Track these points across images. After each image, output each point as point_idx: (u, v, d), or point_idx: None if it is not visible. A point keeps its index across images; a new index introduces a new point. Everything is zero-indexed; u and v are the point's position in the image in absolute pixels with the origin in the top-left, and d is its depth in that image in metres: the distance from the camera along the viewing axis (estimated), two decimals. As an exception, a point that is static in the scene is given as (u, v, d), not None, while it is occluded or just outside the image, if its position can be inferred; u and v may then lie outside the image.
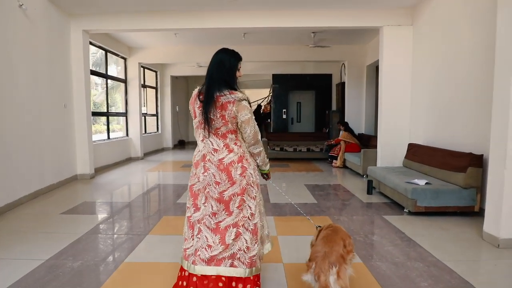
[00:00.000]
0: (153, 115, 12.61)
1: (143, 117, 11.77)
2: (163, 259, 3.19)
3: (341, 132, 9.20)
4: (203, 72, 13.13)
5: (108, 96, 9.14)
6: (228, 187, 2.25)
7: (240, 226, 2.28)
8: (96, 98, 9.51)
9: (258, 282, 2.35)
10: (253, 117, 2.26)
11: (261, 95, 18.99)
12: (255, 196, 2.33)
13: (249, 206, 2.31)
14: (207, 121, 2.20)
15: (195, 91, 2.33)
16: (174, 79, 13.98)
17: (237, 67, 2.35)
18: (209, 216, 2.27)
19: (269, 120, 15.17)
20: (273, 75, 12.87)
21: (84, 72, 6.99)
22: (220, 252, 2.24)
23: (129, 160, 9.99)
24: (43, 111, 5.89)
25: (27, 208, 4.89)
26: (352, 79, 10.11)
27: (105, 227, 4.13)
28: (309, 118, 13.14)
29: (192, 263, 2.27)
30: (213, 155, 2.26)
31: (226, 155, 2.25)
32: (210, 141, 2.27)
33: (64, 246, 3.51)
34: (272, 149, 9.81)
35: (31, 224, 4.25)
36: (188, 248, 2.32)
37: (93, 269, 2.99)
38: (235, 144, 2.28)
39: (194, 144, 15.74)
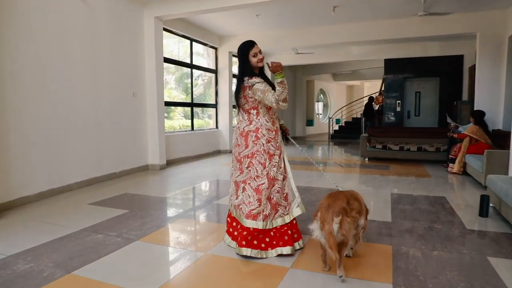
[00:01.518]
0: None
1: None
2: (113, 280, 2.38)
3: (468, 125, 6.96)
4: (305, 59, 12.12)
5: (203, 87, 8.90)
6: (243, 149, 2.82)
7: (246, 183, 2.80)
8: (195, 90, 9.43)
9: (249, 237, 2.72)
10: (269, 92, 2.68)
11: (378, 87, 16.83)
12: (263, 162, 2.77)
13: (255, 169, 2.77)
14: (237, 101, 2.86)
15: None
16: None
17: (248, 56, 2.80)
18: (233, 170, 2.96)
19: (383, 113, 13.15)
20: (385, 60, 10.91)
21: (156, 61, 6.76)
22: (234, 200, 2.93)
23: (217, 153, 9.66)
24: (106, 99, 5.79)
25: (69, 196, 4.76)
26: (485, 57, 7.61)
27: (105, 226, 3.55)
28: (431, 111, 10.74)
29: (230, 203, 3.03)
30: (240, 124, 2.88)
31: (247, 125, 2.83)
32: (240, 115, 2.91)
33: (42, 242, 3.04)
34: (372, 147, 8.12)
35: (46, 212, 4.03)
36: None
37: (27, 277, 2.37)
38: (256, 117, 2.81)
39: (298, 139, 14.83)
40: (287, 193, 2.88)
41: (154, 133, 6.88)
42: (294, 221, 2.88)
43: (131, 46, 6.44)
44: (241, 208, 2.81)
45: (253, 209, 2.73)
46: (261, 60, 2.82)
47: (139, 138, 6.70)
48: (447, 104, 10.33)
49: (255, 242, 2.72)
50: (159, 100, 6.87)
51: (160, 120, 6.93)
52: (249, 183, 2.78)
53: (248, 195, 2.77)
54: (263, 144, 2.77)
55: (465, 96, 10.07)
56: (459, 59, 10.13)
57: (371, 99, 13.58)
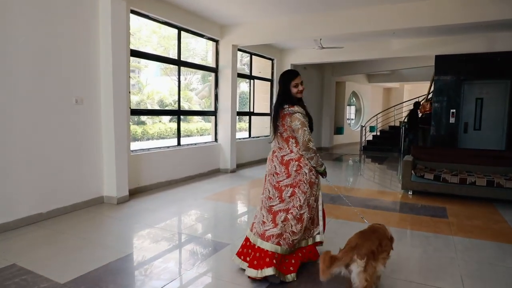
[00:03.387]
0: (265, 114, 10.03)
1: (247, 117, 9.32)
2: None
3: None
4: (333, 56, 9.87)
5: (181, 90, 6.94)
6: (284, 179, 2.83)
7: (289, 213, 2.79)
8: (198, 93, 7.53)
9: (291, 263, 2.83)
10: (305, 128, 2.75)
11: (422, 91, 14.20)
12: (305, 191, 2.80)
13: (299, 198, 2.80)
14: (274, 127, 2.89)
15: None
16: (301, 69, 11.05)
17: (289, 85, 2.87)
18: (266, 198, 2.90)
19: (430, 124, 10.66)
20: (436, 57, 8.48)
21: (115, 54, 4.84)
22: (270, 229, 2.80)
23: (215, 172, 7.66)
24: (27, 109, 3.93)
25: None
26: None
27: None
28: (497, 124, 8.21)
29: (250, 231, 2.98)
30: (278, 152, 2.90)
31: (288, 153, 2.85)
32: (277, 142, 2.93)
33: None
34: (420, 176, 5.82)
35: None
36: (253, 219, 3.04)
37: None
38: (296, 146, 2.83)
39: (324, 150, 12.55)
40: (314, 218, 2.97)
41: (110, 153, 4.98)
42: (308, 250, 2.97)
43: (75, 34, 4.55)
44: (284, 238, 2.78)
45: (295, 239, 2.81)
46: (301, 91, 2.90)
47: (87, 160, 4.81)
48: (520, 116, 7.78)
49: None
50: (117, 107, 4.95)
51: (119, 134, 5.01)
52: (291, 212, 2.80)
53: (291, 224, 2.79)
54: (306, 174, 2.81)
55: (547, 106, 7.51)
56: (540, 55, 7.57)
57: (416, 105, 11.10)
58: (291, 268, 2.80)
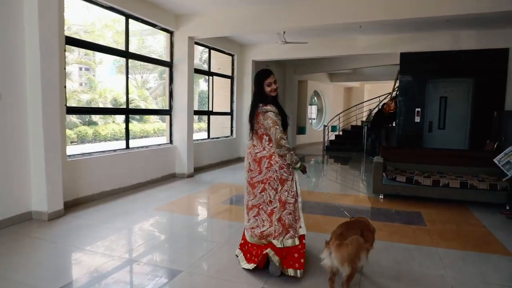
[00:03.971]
0: (225, 113, 9.39)
1: (206, 116, 8.65)
2: None
3: None
4: (298, 52, 9.42)
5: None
6: (257, 175, 2.93)
7: (260, 208, 2.94)
8: (152, 92, 6.71)
9: (258, 252, 2.93)
10: (276, 126, 2.81)
11: (381, 90, 14.22)
12: (275, 188, 2.87)
13: (268, 194, 2.89)
14: (251, 125, 2.96)
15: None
16: (262, 66, 10.51)
17: (263, 84, 2.94)
18: (247, 194, 3.06)
19: (393, 123, 10.54)
20: (401, 55, 8.27)
21: (42, 42, 4.01)
22: (248, 223, 3.05)
23: (170, 178, 6.92)
24: None
25: None
26: None
27: None
28: (461, 123, 8.13)
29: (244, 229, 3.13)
30: (253, 149, 2.99)
31: (260, 151, 2.94)
32: (253, 139, 3.01)
33: None
34: (392, 179, 5.45)
35: None
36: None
37: None
38: (268, 144, 2.92)
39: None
40: (299, 216, 2.93)
41: (38, 159, 4.13)
42: (301, 248, 2.90)
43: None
44: (254, 231, 2.96)
45: (263, 231, 2.92)
46: (274, 90, 2.96)
47: (9, 168, 3.94)
48: (483, 114, 7.72)
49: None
50: (47, 105, 4.12)
51: (50, 136, 4.18)
52: (262, 208, 2.93)
53: (262, 219, 2.93)
54: (276, 171, 2.87)
55: (509, 105, 7.48)
56: (502, 54, 7.53)
57: (384, 105, 10.93)
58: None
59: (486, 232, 4.15)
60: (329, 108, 16.69)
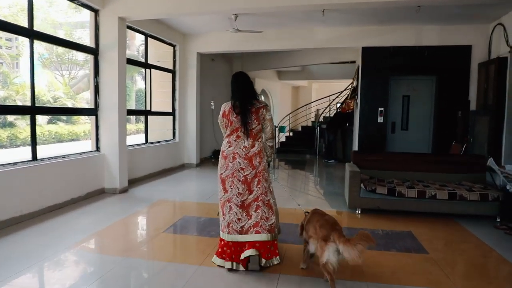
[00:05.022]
0: (166, 113, 8.06)
1: (144, 117, 7.27)
2: None
3: None
4: (249, 43, 7.48)
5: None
6: (250, 172, 3.01)
7: (258, 201, 3.01)
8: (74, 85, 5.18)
9: (277, 251, 3.04)
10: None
11: (330, 90, 13.73)
12: (267, 178, 3.07)
13: (263, 185, 3.03)
14: (246, 126, 3.00)
15: (227, 106, 3.09)
16: (208, 60, 9.32)
17: (251, 82, 3.17)
18: (236, 196, 3.00)
19: (347, 124, 9.96)
20: (363, 49, 7.58)
21: None
22: (247, 222, 2.99)
23: (99, 195, 5.48)
24: None
25: None
26: None
27: None
28: (425, 124, 7.65)
29: (227, 233, 2.99)
30: (242, 150, 3.02)
31: (250, 149, 3.03)
32: (243, 140, 3.04)
33: None
34: (371, 190, 4.60)
35: None
36: (222, 222, 3.05)
37: None
38: (258, 140, 3.07)
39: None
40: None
41: None
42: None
43: None
44: (261, 226, 2.97)
45: (272, 223, 3.02)
46: None
47: None
48: (447, 114, 7.29)
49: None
50: None
51: None
52: (261, 200, 3.01)
53: (264, 211, 3.00)
54: (265, 163, 3.09)
55: (473, 104, 7.12)
56: (465, 51, 7.14)
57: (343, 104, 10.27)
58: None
59: (500, 258, 3.40)
60: (277, 108, 15.90)
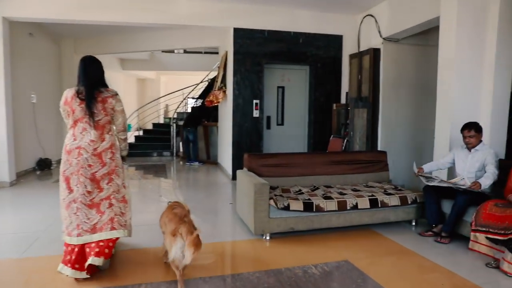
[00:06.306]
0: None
1: None
2: None
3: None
4: (85, 12, 4.14)
5: None
6: (100, 169, 2.71)
7: (111, 198, 2.75)
8: None
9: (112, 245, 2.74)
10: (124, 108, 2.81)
11: (182, 83, 12.31)
12: (120, 175, 2.82)
13: (116, 183, 2.79)
14: (91, 115, 2.64)
15: (70, 93, 2.69)
16: (25, 35, 6.61)
17: (103, 69, 2.83)
18: (84, 194, 2.67)
19: (204, 121, 8.80)
20: (235, 30, 6.39)
21: None
22: (99, 220, 2.69)
23: None
24: None
25: None
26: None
27: None
28: (300, 118, 7.03)
29: (77, 236, 2.63)
30: (89, 144, 2.66)
31: (100, 144, 2.70)
32: (89, 132, 2.67)
33: None
34: (284, 208, 3.41)
35: None
36: (68, 226, 2.67)
37: None
38: (108, 133, 2.75)
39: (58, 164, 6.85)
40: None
41: None
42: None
43: None
44: (117, 221, 2.75)
45: (128, 219, 2.85)
46: None
47: None
48: (322, 107, 6.82)
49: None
50: None
51: None
52: (114, 197, 2.78)
53: (120, 207, 2.79)
54: (119, 159, 2.84)
55: (342, 96, 6.84)
56: (338, 41, 6.78)
57: (204, 97, 8.86)
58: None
59: (451, 275, 2.68)
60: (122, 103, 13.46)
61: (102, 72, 2.81)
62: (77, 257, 2.62)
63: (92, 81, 2.70)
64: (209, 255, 3.00)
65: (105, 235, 2.67)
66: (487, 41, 4.11)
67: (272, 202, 3.42)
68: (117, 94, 2.78)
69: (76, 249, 2.64)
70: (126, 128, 2.85)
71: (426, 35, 5.95)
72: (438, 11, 4.50)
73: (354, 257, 3.07)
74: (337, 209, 3.53)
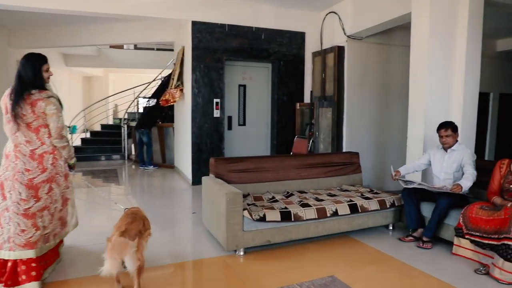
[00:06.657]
0: None
1: None
2: None
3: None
4: None
5: None
6: (39, 174, 2.50)
7: (50, 209, 2.56)
8: None
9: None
10: (59, 114, 2.56)
11: (132, 82, 11.55)
12: (61, 184, 2.64)
13: (55, 192, 2.59)
14: (17, 117, 2.45)
15: (7, 91, 2.53)
16: None
17: (41, 70, 2.58)
18: (17, 203, 2.42)
19: (159, 121, 8.26)
20: (193, 23, 5.92)
21: None
22: (34, 235, 2.44)
23: None
24: None
25: None
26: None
27: None
28: (263, 118, 6.72)
29: (9, 250, 2.37)
30: (25, 146, 2.49)
31: (39, 146, 2.52)
32: (23, 134, 2.49)
33: None
34: (259, 219, 3.06)
35: None
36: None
37: None
38: (48, 137, 2.56)
39: None
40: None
41: None
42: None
43: None
44: (55, 234, 2.64)
45: (48, 233, 2.59)
46: (49, 78, 2.67)
47: None
48: (285, 107, 6.56)
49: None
50: None
51: None
52: (55, 208, 2.62)
53: (58, 220, 2.67)
54: (62, 166, 2.67)
55: (306, 96, 6.64)
56: (300, 38, 6.55)
57: (158, 97, 8.20)
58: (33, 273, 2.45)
59: (441, 283, 2.50)
60: (65, 103, 12.33)
61: (36, 73, 2.56)
62: (10, 274, 2.40)
63: (22, 82, 2.52)
64: (172, 279, 2.57)
65: (46, 247, 2.56)
66: (457, 37, 4.05)
67: (246, 213, 3.05)
68: (50, 97, 2.54)
69: (9, 264, 2.43)
70: (63, 136, 2.62)
71: (389, 34, 5.90)
72: (406, 8, 4.41)
73: (340, 272, 2.79)
74: (316, 217, 3.24)
